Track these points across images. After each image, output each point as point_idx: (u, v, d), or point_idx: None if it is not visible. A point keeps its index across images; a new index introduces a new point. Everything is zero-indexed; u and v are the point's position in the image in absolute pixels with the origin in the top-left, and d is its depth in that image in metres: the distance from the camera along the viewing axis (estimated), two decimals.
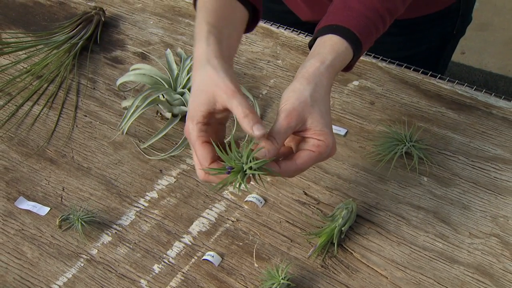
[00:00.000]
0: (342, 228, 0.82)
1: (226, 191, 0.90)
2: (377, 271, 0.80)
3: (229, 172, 0.68)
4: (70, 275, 0.81)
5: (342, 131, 0.98)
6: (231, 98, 0.69)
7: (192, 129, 0.72)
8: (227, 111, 0.72)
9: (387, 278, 0.79)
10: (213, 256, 0.83)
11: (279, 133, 0.69)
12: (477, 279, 0.78)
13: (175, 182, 0.93)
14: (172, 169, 0.95)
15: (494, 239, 0.82)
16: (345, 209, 0.84)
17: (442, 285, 0.78)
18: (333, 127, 0.99)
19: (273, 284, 0.77)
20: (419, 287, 0.77)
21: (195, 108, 0.72)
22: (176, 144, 0.98)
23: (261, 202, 0.89)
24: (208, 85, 0.71)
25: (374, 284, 0.78)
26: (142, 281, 0.80)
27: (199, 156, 0.71)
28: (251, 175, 0.68)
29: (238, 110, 0.68)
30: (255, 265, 0.82)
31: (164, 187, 0.92)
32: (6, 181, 0.94)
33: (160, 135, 0.99)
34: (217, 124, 0.74)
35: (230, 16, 0.82)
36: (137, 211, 0.89)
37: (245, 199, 0.89)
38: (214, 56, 0.74)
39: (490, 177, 0.89)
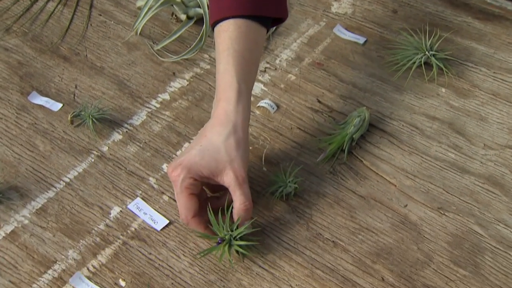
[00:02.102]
0: (354, 136, 0.81)
1: None
2: (386, 179, 0.79)
3: (219, 243, 0.71)
4: (81, 170, 0.82)
5: (361, 39, 0.95)
6: (238, 185, 0.71)
7: (183, 179, 0.71)
8: (222, 186, 0.73)
9: (396, 186, 0.78)
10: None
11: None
12: (487, 189, 0.77)
13: (187, 85, 0.92)
14: (185, 72, 0.94)
15: (509, 151, 0.80)
16: (358, 117, 0.82)
17: (451, 194, 0.77)
18: (352, 35, 0.96)
19: (280, 186, 0.77)
20: (427, 196, 0.77)
21: (197, 164, 0.71)
22: (190, 47, 0.96)
23: (273, 108, 0.88)
24: (223, 157, 0.71)
25: (382, 191, 0.78)
26: (150, 178, 0.81)
27: (183, 207, 0.71)
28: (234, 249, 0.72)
29: (241, 199, 0.71)
30: (264, 168, 0.81)
31: (176, 89, 0.92)
32: (20, 75, 0.94)
33: (174, 37, 0.97)
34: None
35: (256, 51, 0.78)
36: (148, 112, 0.89)
37: (257, 105, 0.88)
38: (241, 127, 0.73)
39: (511, 89, 0.86)
